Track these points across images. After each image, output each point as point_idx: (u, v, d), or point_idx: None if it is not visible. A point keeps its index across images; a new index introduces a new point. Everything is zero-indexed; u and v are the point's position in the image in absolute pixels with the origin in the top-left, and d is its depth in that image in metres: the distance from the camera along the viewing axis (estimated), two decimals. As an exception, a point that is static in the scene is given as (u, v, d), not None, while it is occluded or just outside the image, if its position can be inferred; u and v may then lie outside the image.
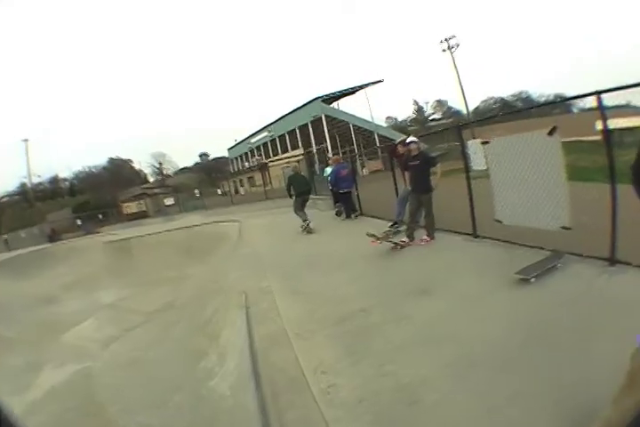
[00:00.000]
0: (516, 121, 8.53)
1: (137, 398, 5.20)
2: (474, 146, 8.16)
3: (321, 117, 45.47)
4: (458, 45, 43.19)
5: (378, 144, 44.13)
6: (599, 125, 5.06)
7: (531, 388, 3.09)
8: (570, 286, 4.72)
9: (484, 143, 7.23)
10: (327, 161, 16.50)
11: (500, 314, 4.37)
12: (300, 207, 12.57)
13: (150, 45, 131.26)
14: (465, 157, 7.95)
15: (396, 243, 8.02)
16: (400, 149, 8.78)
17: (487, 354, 3.62)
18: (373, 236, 8.16)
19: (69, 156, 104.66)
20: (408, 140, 8.51)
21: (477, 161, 7.89)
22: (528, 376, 3.23)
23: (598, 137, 5.59)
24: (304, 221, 12.14)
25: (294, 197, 12.57)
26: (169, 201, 40.22)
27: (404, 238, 8.16)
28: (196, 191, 39.79)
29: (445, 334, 4.11)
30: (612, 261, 5.09)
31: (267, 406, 3.43)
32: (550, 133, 5.70)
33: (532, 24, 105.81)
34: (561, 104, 24.07)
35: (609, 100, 4.91)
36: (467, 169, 7.83)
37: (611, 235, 4.98)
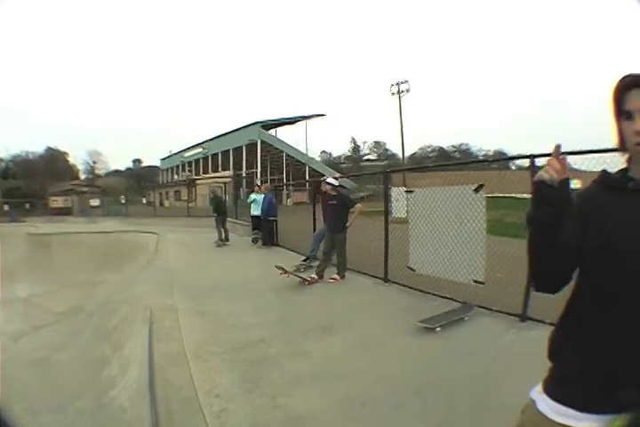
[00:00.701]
0: (454, 172, 8.66)
1: (41, 399, 4.86)
2: (397, 193, 8.31)
3: (257, 142, 45.38)
4: (408, 91, 44.36)
5: (307, 177, 44.81)
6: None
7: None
8: (475, 339, 4.78)
9: (408, 192, 7.35)
10: (254, 187, 16.38)
11: (399, 359, 4.37)
12: (218, 224, 14.67)
13: (106, 41, 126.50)
14: (386, 202, 8.06)
15: (304, 278, 7.97)
16: (323, 186, 8.77)
17: (381, 396, 3.61)
18: (282, 269, 8.16)
19: (10, 137, 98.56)
20: (327, 180, 8.66)
21: (399, 208, 8.01)
22: (419, 421, 3.23)
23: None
24: (219, 238, 14.40)
25: (216, 216, 14.82)
26: (95, 202, 38.79)
27: (314, 275, 8.10)
28: (122, 197, 38.68)
29: (341, 373, 4.09)
30: (524, 317, 5.18)
31: (160, 423, 3.36)
32: (477, 190, 5.81)
33: (486, 81, 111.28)
34: (501, 160, 25.02)
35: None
36: (386, 213, 7.91)
37: (525, 292, 5.07)
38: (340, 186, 9.02)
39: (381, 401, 3.52)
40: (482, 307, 5.65)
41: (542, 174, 1.25)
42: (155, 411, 3.52)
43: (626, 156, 1.37)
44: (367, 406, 3.45)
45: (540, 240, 1.32)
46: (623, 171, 1.40)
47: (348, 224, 8.15)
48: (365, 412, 3.37)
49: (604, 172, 1.45)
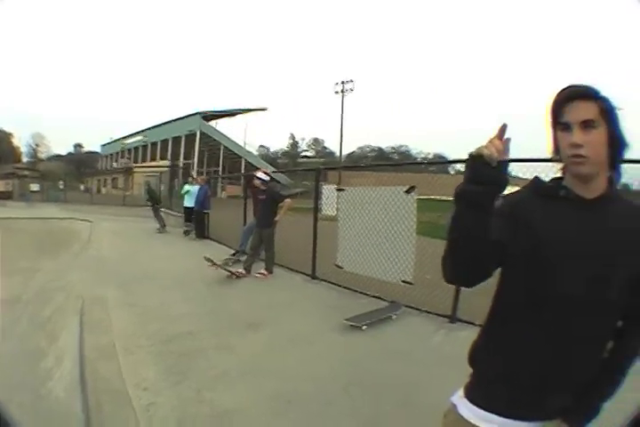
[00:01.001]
0: (392, 173, 8.74)
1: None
2: (328, 191, 8.35)
3: (196, 133, 44.50)
4: (352, 90, 44.68)
5: (243, 170, 44.27)
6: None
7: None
8: (403, 338, 4.84)
9: (339, 190, 7.36)
10: (189, 178, 16.12)
11: (326, 357, 4.37)
12: (155, 213, 15.59)
13: (50, 24, 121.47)
14: (317, 199, 8.04)
15: (232, 272, 7.92)
16: (254, 180, 8.69)
17: (308, 392, 3.62)
18: (210, 261, 8.07)
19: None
20: (257, 175, 8.57)
21: (329, 206, 8.08)
22: (346, 418, 3.25)
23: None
24: (160, 226, 15.19)
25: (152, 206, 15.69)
26: (35, 187, 37.08)
27: (241, 269, 8.06)
28: (61, 183, 37.53)
29: (268, 369, 4.07)
30: (453, 318, 5.28)
31: (91, 416, 3.32)
32: (408, 192, 5.87)
33: (431, 85, 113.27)
34: (440, 164, 25.48)
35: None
36: (316, 211, 7.91)
37: (454, 293, 5.19)
38: (271, 181, 8.94)
39: (309, 398, 3.52)
40: (411, 307, 5.73)
41: (482, 149, 1.19)
42: (86, 403, 3.49)
43: (560, 165, 1.38)
44: (295, 403, 3.45)
45: (467, 220, 1.24)
46: (557, 180, 1.42)
47: (276, 219, 8.12)
48: (293, 408, 3.38)
49: (537, 178, 1.47)
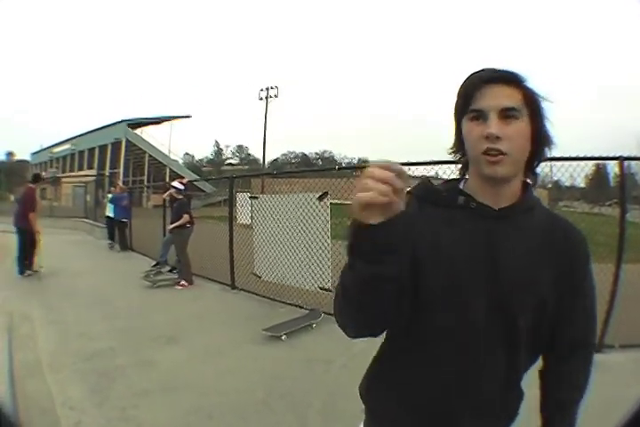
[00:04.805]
0: (317, 179, 8.65)
1: None
2: (242, 199, 8.23)
3: (122, 141, 43.13)
4: (276, 96, 44.35)
5: (168, 179, 43.12)
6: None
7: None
8: (323, 346, 4.78)
9: (252, 198, 7.26)
10: (111, 187, 15.58)
11: (245, 368, 4.32)
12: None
13: None
14: (231, 207, 8.01)
15: (153, 282, 7.93)
16: (171, 189, 8.51)
17: (228, 406, 3.57)
18: (151, 281, 8.04)
19: None
20: (173, 184, 8.46)
21: (244, 214, 8.00)
22: None
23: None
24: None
25: None
26: None
27: (183, 281, 7.95)
28: (-11, 193, 35.42)
29: (188, 384, 4.00)
30: None
31: None
32: (320, 198, 5.80)
33: (354, 91, 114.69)
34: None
35: (421, 171, 5.19)
36: (230, 219, 7.84)
37: None
38: (189, 190, 8.85)
39: (230, 411, 3.47)
40: (331, 314, 5.60)
41: (360, 200, 0.79)
42: (18, 423, 3.30)
43: (459, 166, 1.14)
44: (216, 418, 3.40)
45: (369, 293, 0.91)
46: (453, 182, 1.18)
47: (169, 228, 8.10)
48: (214, 424, 3.33)
49: (426, 181, 1.19)
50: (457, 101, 1.07)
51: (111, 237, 13.75)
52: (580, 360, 1.18)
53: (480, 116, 1.00)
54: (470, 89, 1.02)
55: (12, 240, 14.48)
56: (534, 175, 1.13)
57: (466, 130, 1.04)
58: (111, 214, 13.52)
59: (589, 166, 5.16)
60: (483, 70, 1.04)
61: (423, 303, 1.04)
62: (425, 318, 1.06)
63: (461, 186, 1.14)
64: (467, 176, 1.16)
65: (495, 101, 0.99)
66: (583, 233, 1.15)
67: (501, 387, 1.10)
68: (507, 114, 0.99)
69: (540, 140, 1.05)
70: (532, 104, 1.02)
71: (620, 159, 4.42)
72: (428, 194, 1.13)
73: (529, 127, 1.02)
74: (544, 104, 1.05)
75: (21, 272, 8.72)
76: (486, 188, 1.06)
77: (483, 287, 1.03)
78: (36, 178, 9.86)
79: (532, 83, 1.03)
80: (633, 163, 5.76)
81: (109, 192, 15.00)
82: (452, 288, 1.03)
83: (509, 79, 1.01)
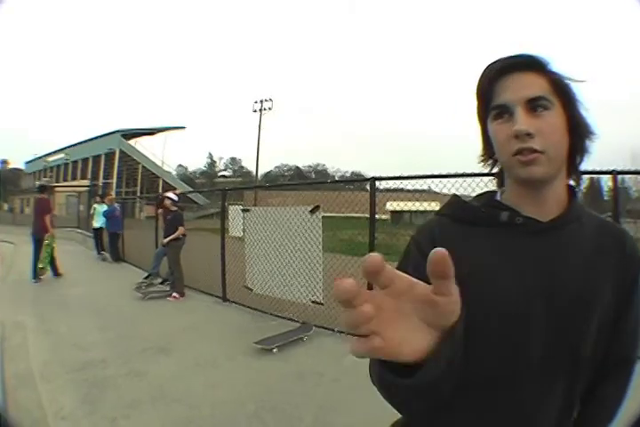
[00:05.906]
0: (310, 191, 8.67)
1: None
2: (234, 211, 8.25)
3: (116, 152, 43.07)
4: (270, 109, 44.51)
5: (161, 190, 43.03)
6: (389, 206, 5.30)
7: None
8: (315, 360, 4.78)
9: (244, 210, 7.26)
10: (97, 198, 15.37)
11: (236, 381, 4.29)
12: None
13: None
14: (223, 219, 8.01)
15: (145, 294, 7.90)
16: (166, 201, 8.51)
17: (218, 419, 3.55)
18: (143, 293, 8.00)
19: None
20: (167, 195, 8.48)
21: (236, 227, 7.98)
22: None
23: (386, 216, 5.87)
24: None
25: None
26: None
27: (175, 294, 7.94)
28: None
29: (178, 395, 3.97)
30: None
31: None
32: (312, 211, 5.82)
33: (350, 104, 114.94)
34: (359, 182, 25.76)
35: (414, 184, 5.10)
36: (222, 232, 7.84)
37: None
38: (182, 202, 8.80)
39: (219, 424, 3.47)
40: (323, 327, 5.67)
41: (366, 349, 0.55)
42: None
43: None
44: None
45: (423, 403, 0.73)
46: (486, 196, 1.02)
47: (164, 241, 8.04)
48: None
49: (456, 199, 1.01)
50: (476, 103, 0.93)
51: (99, 248, 13.65)
52: (622, 380, 0.94)
53: (504, 112, 0.86)
54: (486, 84, 0.88)
55: (3, 249, 14.60)
56: (577, 174, 0.97)
57: (491, 132, 0.90)
58: (98, 225, 13.46)
59: (583, 180, 5.21)
60: (495, 62, 0.89)
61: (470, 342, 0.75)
62: (472, 358, 0.79)
63: (498, 198, 0.98)
64: (503, 187, 0.99)
65: (518, 93, 0.84)
66: (633, 239, 0.94)
67: (556, 420, 0.87)
68: (534, 105, 0.84)
69: (578, 130, 0.89)
70: (562, 89, 0.87)
71: (614, 173, 4.42)
72: (464, 213, 0.96)
73: (563, 117, 0.87)
74: (575, 87, 0.89)
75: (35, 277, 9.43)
76: (527, 196, 0.90)
77: (540, 319, 0.85)
78: (43, 188, 9.96)
79: (556, 65, 0.87)
80: (626, 177, 5.77)
81: (96, 202, 14.83)
82: (506, 324, 0.85)
83: (529, 65, 0.86)
